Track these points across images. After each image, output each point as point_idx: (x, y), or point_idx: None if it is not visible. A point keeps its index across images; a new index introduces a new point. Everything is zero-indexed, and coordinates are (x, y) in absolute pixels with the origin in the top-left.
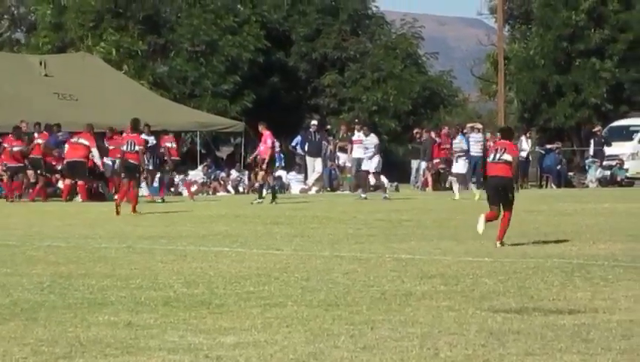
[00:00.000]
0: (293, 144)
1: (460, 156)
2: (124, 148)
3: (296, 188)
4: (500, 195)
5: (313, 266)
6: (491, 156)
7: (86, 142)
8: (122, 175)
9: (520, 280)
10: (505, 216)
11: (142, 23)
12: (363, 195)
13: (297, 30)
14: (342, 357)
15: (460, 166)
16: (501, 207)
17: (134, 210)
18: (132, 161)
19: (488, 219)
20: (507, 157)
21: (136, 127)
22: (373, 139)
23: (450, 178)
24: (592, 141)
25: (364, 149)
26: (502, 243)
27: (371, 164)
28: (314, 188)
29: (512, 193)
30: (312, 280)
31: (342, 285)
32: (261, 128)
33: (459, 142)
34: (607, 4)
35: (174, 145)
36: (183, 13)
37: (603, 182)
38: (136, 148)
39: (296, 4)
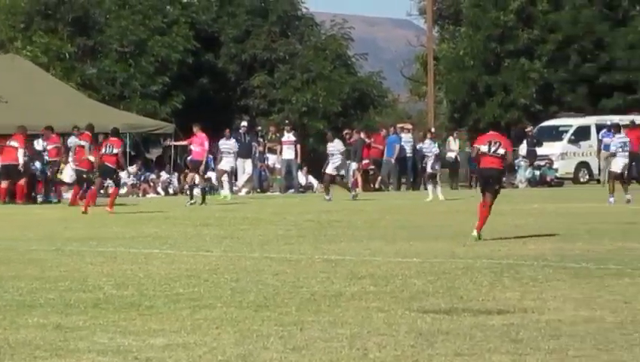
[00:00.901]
0: None
1: (430, 158)
2: (103, 150)
3: (226, 189)
4: (489, 185)
5: (243, 267)
6: (485, 148)
7: (15, 144)
8: (99, 176)
9: (449, 281)
10: (486, 205)
11: (71, 24)
12: (327, 197)
13: (227, 31)
14: (271, 358)
15: (429, 167)
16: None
17: (111, 208)
18: (109, 164)
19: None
20: (501, 151)
21: (116, 132)
22: (338, 145)
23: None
24: (524, 141)
25: (329, 155)
26: (479, 236)
27: (333, 166)
28: (244, 190)
29: (499, 184)
30: (242, 281)
31: (271, 286)
32: (196, 130)
33: (429, 146)
34: (537, 4)
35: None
36: (112, 15)
37: (533, 182)
38: (115, 150)
39: (225, 6)
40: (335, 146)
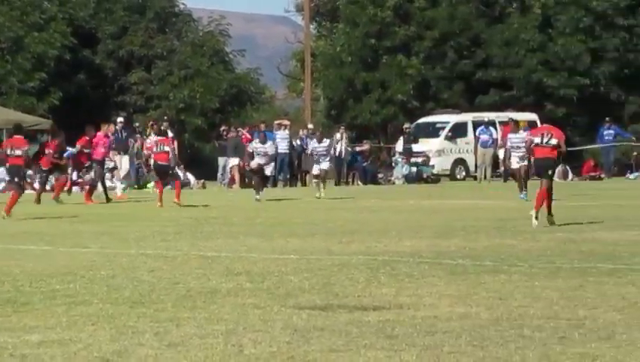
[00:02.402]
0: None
1: (323, 155)
2: (154, 149)
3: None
4: (544, 173)
5: (119, 264)
6: (538, 139)
7: None
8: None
9: (325, 277)
10: (543, 191)
11: None
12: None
13: (104, 28)
14: (146, 355)
15: (323, 165)
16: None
17: (178, 198)
18: (161, 162)
19: (541, 199)
20: (554, 141)
21: (165, 132)
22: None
23: (313, 179)
24: (401, 138)
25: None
26: (537, 216)
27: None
28: (120, 186)
29: (552, 171)
30: (118, 277)
31: (147, 283)
32: (106, 129)
33: (324, 143)
34: (413, 1)
35: None
36: None
37: (409, 178)
38: (165, 148)
39: (102, 2)
40: (269, 146)
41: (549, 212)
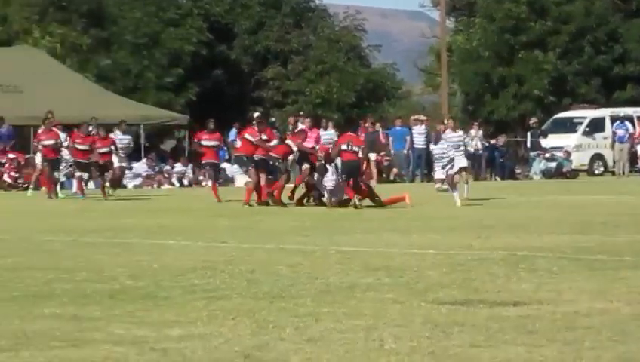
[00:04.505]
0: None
1: (457, 148)
2: (344, 146)
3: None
4: None
5: (258, 259)
6: None
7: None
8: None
9: (464, 273)
10: None
11: (85, 16)
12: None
13: (240, 23)
14: (287, 349)
15: (462, 161)
16: None
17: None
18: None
19: None
20: None
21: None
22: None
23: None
24: (528, 134)
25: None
26: None
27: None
28: None
29: None
30: (257, 272)
31: (286, 277)
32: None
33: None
34: None
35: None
36: (126, 6)
37: (547, 174)
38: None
39: None
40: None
41: None
